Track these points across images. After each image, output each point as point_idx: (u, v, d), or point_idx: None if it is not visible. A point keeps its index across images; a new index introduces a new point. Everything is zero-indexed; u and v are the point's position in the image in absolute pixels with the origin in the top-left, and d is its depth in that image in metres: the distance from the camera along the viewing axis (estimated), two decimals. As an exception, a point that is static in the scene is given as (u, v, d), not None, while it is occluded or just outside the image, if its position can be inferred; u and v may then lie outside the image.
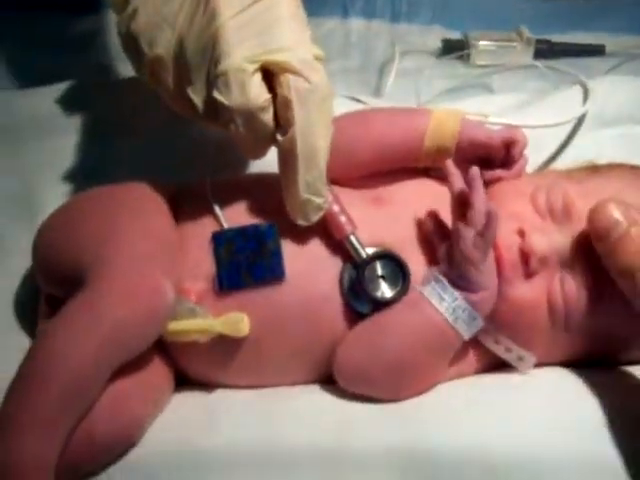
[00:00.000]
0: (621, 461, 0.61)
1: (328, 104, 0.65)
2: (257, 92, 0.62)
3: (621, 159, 0.80)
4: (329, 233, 0.70)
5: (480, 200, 0.66)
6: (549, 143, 0.90)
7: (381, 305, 0.69)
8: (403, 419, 0.66)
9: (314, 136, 0.64)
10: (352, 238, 0.69)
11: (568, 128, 0.90)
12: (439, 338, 0.67)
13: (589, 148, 0.89)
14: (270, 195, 0.70)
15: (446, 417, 0.66)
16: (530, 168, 0.87)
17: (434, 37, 1.22)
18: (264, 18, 0.63)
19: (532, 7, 1.27)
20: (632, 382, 0.69)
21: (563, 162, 0.88)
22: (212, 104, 0.64)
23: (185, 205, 0.74)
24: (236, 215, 0.72)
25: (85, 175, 0.88)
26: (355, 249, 0.69)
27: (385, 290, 0.69)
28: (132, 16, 0.68)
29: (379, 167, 0.77)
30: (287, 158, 0.65)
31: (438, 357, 0.69)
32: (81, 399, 0.61)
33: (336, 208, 0.69)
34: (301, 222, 0.68)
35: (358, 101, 0.88)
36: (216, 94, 0.63)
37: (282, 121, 0.64)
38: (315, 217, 0.67)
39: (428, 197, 0.75)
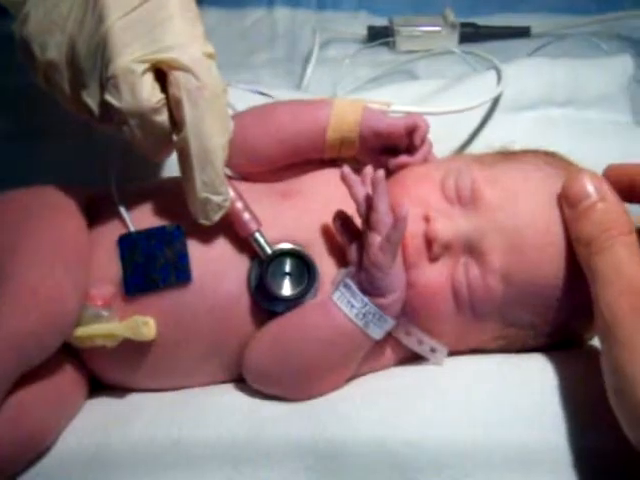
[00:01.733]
0: (527, 452, 0.62)
1: (221, 101, 0.64)
2: (148, 93, 0.62)
3: (536, 142, 0.79)
4: (237, 238, 0.69)
5: (383, 205, 0.65)
6: (464, 128, 0.90)
7: (289, 304, 0.68)
8: (312, 414, 0.66)
9: (207, 135, 0.63)
10: (257, 235, 0.68)
11: (483, 112, 0.90)
12: (349, 342, 0.67)
13: (505, 132, 0.88)
14: (178, 197, 0.68)
15: (354, 410, 0.65)
16: (446, 153, 0.87)
17: (360, 24, 1.21)
18: (153, 17, 0.62)
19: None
20: (553, 368, 0.69)
21: (479, 146, 0.88)
22: (106, 107, 0.63)
23: (95, 209, 0.74)
24: (144, 218, 0.71)
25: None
26: (260, 247, 0.68)
27: (287, 288, 0.68)
28: (24, 20, 0.67)
29: (285, 161, 0.76)
30: (183, 158, 0.64)
31: (348, 359, 0.68)
32: None
33: (239, 205, 0.68)
34: (203, 221, 0.67)
35: (264, 95, 0.86)
36: (107, 97, 0.62)
37: (176, 121, 0.63)
38: (216, 216, 0.67)
39: (337, 188, 0.73)
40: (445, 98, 0.90)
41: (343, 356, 0.68)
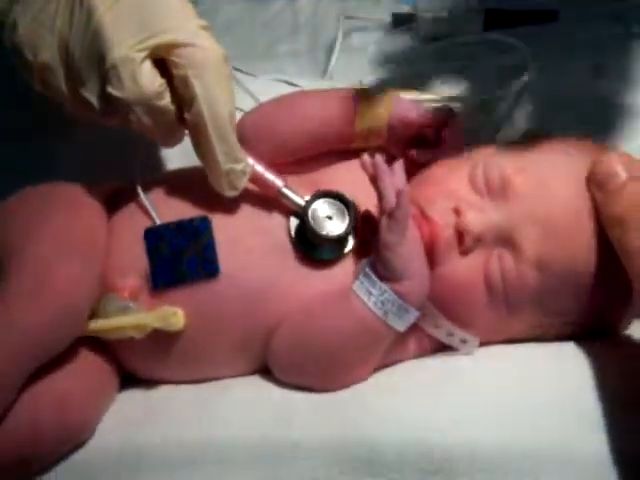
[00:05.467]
0: (568, 450, 0.60)
1: (225, 68, 0.65)
2: (149, 79, 0.63)
3: (564, 126, 0.78)
4: (267, 210, 0.71)
5: (386, 187, 0.65)
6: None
7: (341, 246, 0.69)
8: (340, 407, 0.65)
9: (219, 103, 0.64)
10: (284, 190, 0.69)
11: (510, 97, 0.88)
12: (369, 333, 0.66)
13: (532, 117, 0.87)
14: (202, 185, 0.69)
15: (383, 404, 0.65)
16: (473, 141, 0.85)
17: (383, 10, 1.19)
18: (142, 3, 0.63)
19: (484, -27, 1.24)
20: (589, 358, 0.67)
21: (507, 133, 0.87)
22: (108, 100, 0.64)
23: (119, 203, 0.74)
24: (170, 210, 0.71)
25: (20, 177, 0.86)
26: (291, 200, 0.69)
27: (332, 229, 0.69)
28: (13, 27, 0.67)
29: (312, 151, 0.75)
30: (199, 134, 0.65)
31: (370, 350, 0.68)
32: None
33: (260, 168, 0.70)
34: (230, 192, 0.68)
35: (290, 84, 0.86)
36: (110, 89, 0.63)
37: (186, 100, 0.64)
38: (241, 183, 0.68)
39: (364, 179, 0.73)
40: (471, 85, 0.89)
41: (365, 347, 0.67)
